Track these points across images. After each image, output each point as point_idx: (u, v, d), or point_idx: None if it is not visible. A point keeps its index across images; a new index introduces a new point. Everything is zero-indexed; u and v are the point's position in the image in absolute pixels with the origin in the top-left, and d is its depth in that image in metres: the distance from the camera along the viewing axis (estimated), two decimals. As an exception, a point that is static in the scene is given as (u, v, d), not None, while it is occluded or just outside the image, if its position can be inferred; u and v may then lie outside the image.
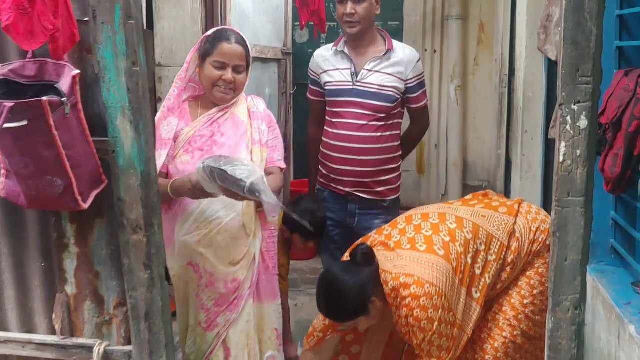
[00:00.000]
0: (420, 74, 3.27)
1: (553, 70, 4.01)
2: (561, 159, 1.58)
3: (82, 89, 1.90)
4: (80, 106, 1.84)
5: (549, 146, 3.87)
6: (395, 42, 3.26)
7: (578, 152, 1.57)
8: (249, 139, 2.58)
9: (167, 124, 2.53)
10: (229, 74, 2.49)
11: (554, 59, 3.87)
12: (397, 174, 3.31)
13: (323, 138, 3.31)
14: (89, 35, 1.87)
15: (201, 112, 2.59)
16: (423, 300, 2.23)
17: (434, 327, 2.25)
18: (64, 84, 1.79)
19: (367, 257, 2.41)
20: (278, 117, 5.13)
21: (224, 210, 2.50)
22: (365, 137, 3.19)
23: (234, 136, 2.55)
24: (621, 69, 2.50)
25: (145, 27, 3.70)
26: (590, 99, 1.54)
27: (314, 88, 3.36)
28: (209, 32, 2.60)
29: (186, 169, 2.47)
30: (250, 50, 2.59)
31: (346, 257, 2.56)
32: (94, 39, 1.81)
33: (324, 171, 3.32)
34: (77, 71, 1.80)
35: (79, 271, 2.10)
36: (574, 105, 1.55)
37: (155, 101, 4.16)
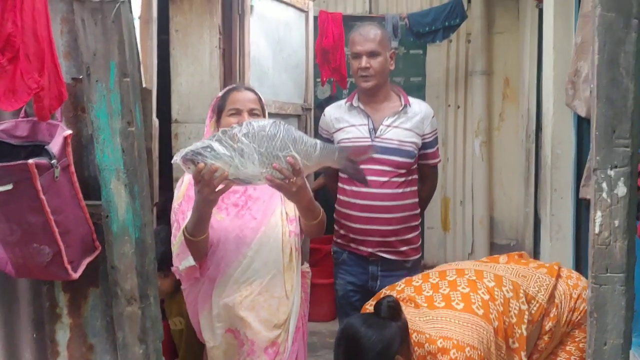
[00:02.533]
0: (436, 130, 3.22)
1: (582, 126, 3.89)
2: (597, 230, 1.41)
3: (77, 150, 1.80)
4: (72, 168, 1.72)
5: (580, 206, 3.69)
6: (410, 98, 3.17)
7: (616, 222, 1.40)
8: None
9: None
10: (245, 118, 2.37)
11: (583, 115, 3.75)
12: (418, 232, 3.19)
13: (339, 196, 3.19)
14: (83, 93, 1.77)
15: None
16: None
17: None
18: (55, 145, 1.68)
19: (394, 311, 2.21)
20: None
21: (264, 269, 2.37)
22: (388, 194, 3.07)
23: (266, 189, 2.40)
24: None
25: (156, 84, 3.67)
26: (628, 163, 1.38)
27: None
28: (220, 93, 2.57)
29: (222, 227, 2.37)
30: (262, 98, 2.51)
31: (369, 308, 2.36)
32: (88, 98, 1.71)
33: (342, 231, 3.17)
34: (69, 132, 1.70)
35: (71, 343, 1.96)
36: (611, 170, 1.39)
37: (171, 158, 4.12)
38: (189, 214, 2.27)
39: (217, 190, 2.06)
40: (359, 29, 3.11)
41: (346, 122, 3.16)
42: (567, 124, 3.89)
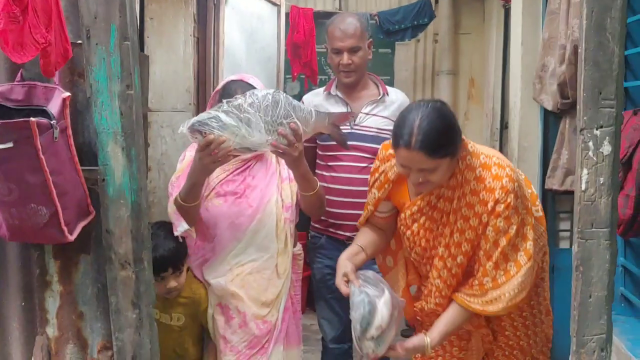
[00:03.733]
0: None
1: (548, 120, 3.99)
2: (583, 187, 1.49)
3: (73, 116, 1.80)
4: (69, 131, 1.73)
5: (546, 197, 3.80)
6: (387, 87, 3.23)
7: (602, 179, 1.48)
8: (278, 177, 2.55)
9: None
10: None
11: (549, 108, 3.87)
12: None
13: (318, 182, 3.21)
14: (81, 58, 1.78)
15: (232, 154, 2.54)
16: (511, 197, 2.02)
17: (509, 232, 2.02)
18: (54, 107, 1.69)
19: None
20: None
21: (257, 253, 2.45)
22: (366, 179, 3.10)
23: (264, 177, 2.52)
24: (626, 109, 2.45)
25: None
26: (613, 123, 1.46)
27: None
28: (219, 87, 2.57)
29: (219, 212, 2.44)
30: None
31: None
32: (87, 61, 1.72)
33: (321, 216, 3.20)
34: (68, 93, 1.71)
35: (61, 311, 1.95)
36: (597, 130, 1.47)
37: (145, 146, 4.11)
38: None
39: (218, 160, 2.13)
40: (338, 23, 3.08)
41: (325, 109, 3.18)
42: (534, 117, 3.98)
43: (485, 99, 5.80)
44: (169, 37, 3.87)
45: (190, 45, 3.91)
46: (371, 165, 3.07)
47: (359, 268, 2.31)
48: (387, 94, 3.16)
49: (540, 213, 2.26)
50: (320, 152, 3.21)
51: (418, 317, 2.41)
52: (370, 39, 3.17)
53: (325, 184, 3.15)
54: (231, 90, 2.44)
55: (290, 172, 2.51)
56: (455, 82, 5.98)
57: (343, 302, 3.15)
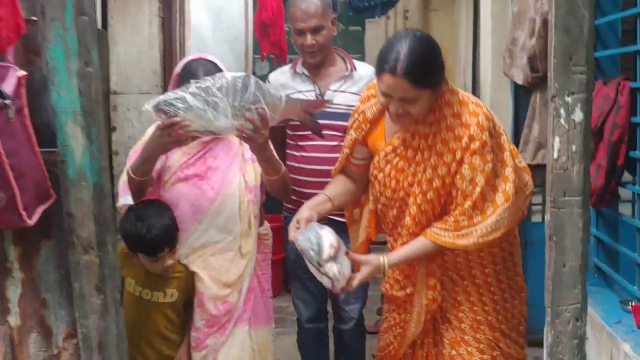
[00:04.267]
0: None
1: (519, 94, 4.01)
2: (555, 155, 1.46)
3: (30, 96, 1.74)
4: (25, 111, 1.66)
5: (518, 171, 3.80)
6: (355, 61, 3.17)
7: (574, 147, 1.45)
8: (241, 158, 2.51)
9: None
10: None
11: (520, 82, 3.87)
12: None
13: (289, 162, 3.16)
14: (36, 36, 1.71)
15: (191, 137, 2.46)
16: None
17: (486, 170, 2.04)
18: (8, 86, 1.61)
19: None
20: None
21: (219, 235, 2.42)
22: (337, 158, 3.06)
23: (226, 159, 2.48)
24: (596, 79, 2.44)
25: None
26: (584, 89, 1.44)
27: None
28: (178, 69, 2.49)
29: (179, 194, 2.40)
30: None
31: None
32: (43, 37, 1.65)
33: (293, 197, 3.15)
34: (23, 72, 1.63)
35: (23, 299, 1.89)
36: (568, 97, 1.44)
37: (109, 130, 4.02)
38: None
39: (178, 141, 2.10)
40: (299, 2, 2.99)
41: (292, 88, 3.12)
42: (505, 92, 4.01)
43: (456, 75, 5.77)
44: (134, 17, 3.77)
45: (155, 26, 3.80)
46: (342, 144, 3.05)
47: (322, 218, 2.31)
48: (355, 69, 3.10)
49: (524, 164, 2.26)
50: (290, 132, 3.15)
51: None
52: (334, 15, 3.08)
53: (296, 164, 3.10)
54: (193, 69, 2.38)
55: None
56: (426, 60, 5.92)
57: (318, 282, 3.15)
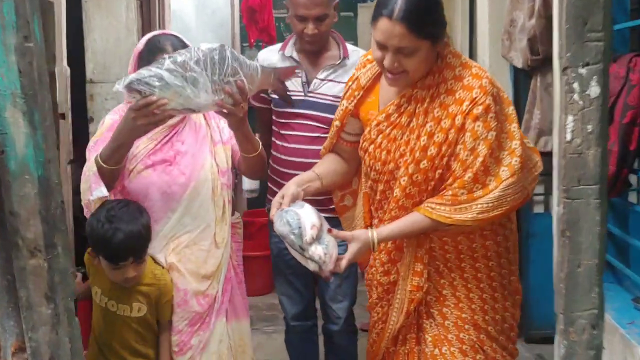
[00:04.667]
0: None
1: (519, 78, 3.89)
2: (568, 137, 1.25)
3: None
4: (-44, 95, 1.44)
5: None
6: (349, 47, 2.96)
7: (589, 127, 1.24)
8: (210, 141, 2.39)
9: None
10: None
11: (519, 66, 3.73)
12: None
13: (273, 152, 2.97)
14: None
15: None
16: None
17: (489, 138, 1.89)
18: None
19: None
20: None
21: (194, 223, 2.30)
22: (319, 150, 2.86)
23: (194, 143, 2.35)
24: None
25: (66, 41, 3.35)
26: (601, 59, 1.22)
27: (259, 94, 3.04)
28: (140, 46, 2.30)
29: (148, 183, 2.26)
30: None
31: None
32: (-27, 8, 1.43)
33: (274, 188, 2.96)
34: (-48, 49, 1.41)
35: (-34, 309, 1.67)
36: (582, 68, 1.23)
37: (87, 121, 3.82)
38: None
39: (155, 122, 2.00)
40: None
41: None
42: (504, 76, 3.83)
43: None
44: (109, 1, 3.57)
45: (132, 10, 3.61)
46: (324, 136, 2.82)
47: (309, 197, 2.18)
48: (348, 57, 2.90)
49: (532, 144, 2.13)
50: (275, 118, 2.97)
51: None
52: (336, 1, 2.88)
53: (279, 155, 2.93)
54: (159, 43, 2.21)
55: (223, 134, 2.37)
56: (421, 45, 5.74)
57: (302, 278, 2.97)
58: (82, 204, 2.18)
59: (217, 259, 2.34)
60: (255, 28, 5.05)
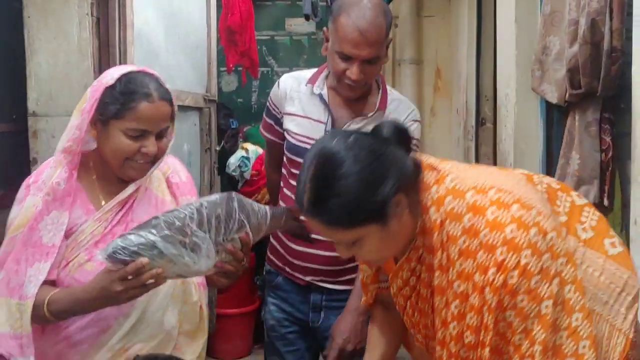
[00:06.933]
0: (417, 141, 2.38)
1: (551, 116, 3.36)
2: None
3: None
4: None
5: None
6: (391, 96, 2.41)
7: None
8: None
9: (53, 222, 1.82)
10: (151, 146, 1.83)
11: (553, 101, 3.24)
12: None
13: (281, 202, 2.52)
14: None
15: (101, 192, 1.93)
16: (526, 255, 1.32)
17: (543, 314, 1.33)
18: None
19: (403, 135, 1.49)
20: (200, 181, 4.22)
21: (151, 332, 1.88)
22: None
23: None
24: None
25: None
26: None
27: (271, 122, 2.51)
28: (111, 80, 1.79)
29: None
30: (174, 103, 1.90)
31: None
32: None
33: (278, 246, 2.51)
34: None
35: None
36: None
37: (29, 163, 3.22)
38: (40, 266, 1.73)
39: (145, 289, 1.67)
40: (358, 19, 2.16)
41: (301, 109, 2.38)
42: (534, 113, 3.35)
43: (455, 91, 5.15)
44: (58, 17, 3.02)
45: (87, 28, 3.04)
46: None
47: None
48: (386, 109, 2.37)
49: (620, 248, 1.50)
50: (286, 163, 2.48)
51: None
52: (391, 38, 2.35)
53: (290, 194, 2.43)
54: (140, 85, 1.78)
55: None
56: (420, 73, 5.29)
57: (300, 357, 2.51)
58: None
59: None
60: (235, 51, 4.53)
